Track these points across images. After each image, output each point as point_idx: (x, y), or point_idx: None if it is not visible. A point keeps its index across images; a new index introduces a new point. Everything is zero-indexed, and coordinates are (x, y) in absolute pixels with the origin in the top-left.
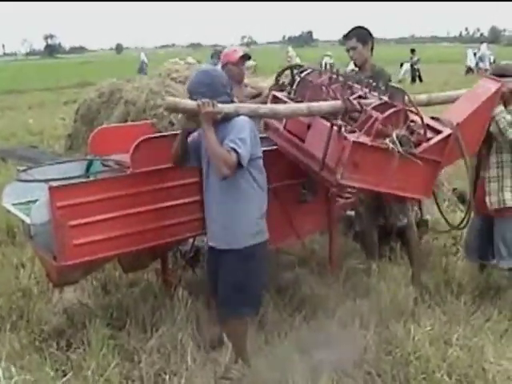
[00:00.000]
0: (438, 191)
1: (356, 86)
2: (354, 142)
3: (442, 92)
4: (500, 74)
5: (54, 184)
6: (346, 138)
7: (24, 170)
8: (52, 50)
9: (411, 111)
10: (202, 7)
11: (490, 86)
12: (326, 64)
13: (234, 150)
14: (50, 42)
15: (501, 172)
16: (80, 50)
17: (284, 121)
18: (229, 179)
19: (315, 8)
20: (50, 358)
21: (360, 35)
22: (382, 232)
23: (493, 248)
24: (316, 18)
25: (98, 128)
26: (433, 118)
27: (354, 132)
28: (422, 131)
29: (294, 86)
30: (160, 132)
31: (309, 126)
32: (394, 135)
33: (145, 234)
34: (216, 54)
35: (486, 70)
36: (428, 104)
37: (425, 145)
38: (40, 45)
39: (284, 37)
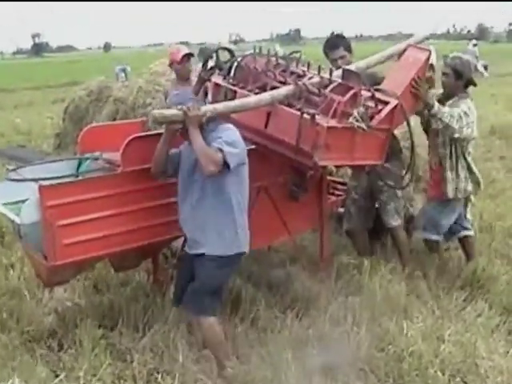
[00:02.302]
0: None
1: (295, 66)
2: (328, 127)
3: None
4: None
5: (44, 183)
6: (318, 125)
7: (13, 170)
8: (39, 49)
9: (364, 89)
10: (191, 6)
11: (420, 56)
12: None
13: (220, 150)
14: (37, 40)
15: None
16: (68, 48)
17: None
18: (215, 185)
19: (303, 6)
20: (41, 359)
21: (345, 44)
22: (373, 230)
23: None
24: (303, 16)
25: (87, 127)
26: (377, 89)
27: (315, 115)
28: (373, 105)
29: (232, 72)
30: (150, 130)
31: (268, 114)
32: (356, 114)
33: (135, 232)
34: (201, 52)
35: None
36: (368, 68)
37: (377, 117)
38: (27, 44)
39: (272, 35)
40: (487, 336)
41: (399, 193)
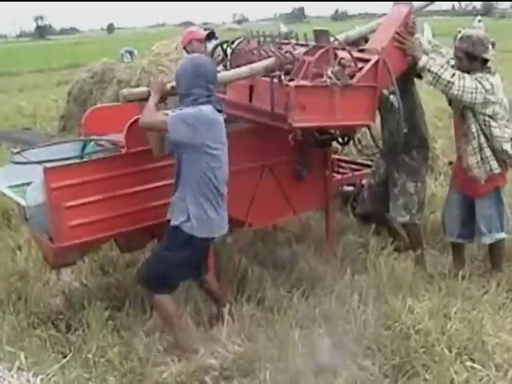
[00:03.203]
0: (434, 164)
1: (285, 42)
2: (295, 86)
3: None
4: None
5: (49, 165)
6: (287, 85)
7: (18, 152)
8: (42, 31)
9: (338, 49)
10: None
11: (402, 10)
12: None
13: (166, 115)
14: (40, 23)
15: (476, 143)
16: (71, 31)
17: (227, 90)
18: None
19: None
20: (49, 340)
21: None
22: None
23: (473, 226)
24: None
25: (91, 108)
26: (360, 50)
27: (292, 80)
28: (352, 64)
29: (229, 58)
30: None
31: (251, 88)
32: (329, 72)
33: (141, 213)
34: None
35: None
36: (347, 41)
37: (358, 74)
38: (30, 26)
39: (276, 14)
40: (494, 313)
41: (412, 189)
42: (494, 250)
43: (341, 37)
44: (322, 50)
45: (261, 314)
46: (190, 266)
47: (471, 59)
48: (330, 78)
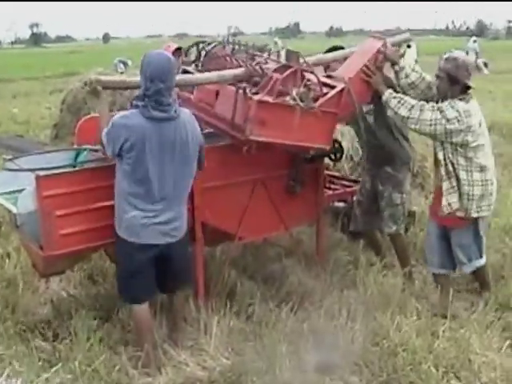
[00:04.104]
0: (424, 182)
1: (258, 54)
2: (258, 100)
3: None
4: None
5: (41, 173)
6: (251, 98)
7: (10, 159)
8: (38, 38)
9: (307, 71)
10: None
11: (374, 45)
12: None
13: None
14: (35, 30)
15: (444, 171)
16: (66, 39)
17: (195, 91)
18: None
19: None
20: (36, 349)
21: None
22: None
23: (452, 256)
24: (303, 9)
25: (84, 117)
26: (328, 76)
27: (258, 93)
28: (318, 88)
29: (201, 59)
30: None
31: (217, 93)
32: (294, 93)
33: None
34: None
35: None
36: (317, 64)
37: (322, 99)
38: (25, 33)
39: (271, 28)
40: (481, 332)
41: (398, 200)
42: (479, 275)
43: (314, 58)
44: (290, 70)
45: (249, 327)
46: (134, 274)
47: (453, 83)
48: (293, 98)
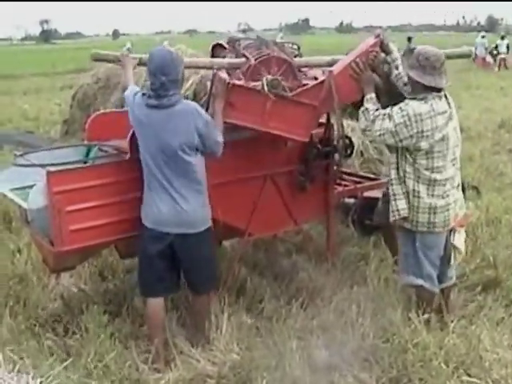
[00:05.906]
0: None
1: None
2: (227, 83)
3: None
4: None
5: (52, 169)
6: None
7: (21, 155)
8: (48, 35)
9: (283, 59)
10: None
11: (367, 41)
12: None
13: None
14: (45, 27)
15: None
16: (76, 35)
17: None
18: None
19: None
20: (47, 344)
21: None
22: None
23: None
24: (313, 4)
25: (94, 113)
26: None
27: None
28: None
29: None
30: None
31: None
32: (264, 79)
33: None
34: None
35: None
36: (306, 66)
37: (299, 89)
38: (35, 30)
39: (281, 24)
40: (492, 329)
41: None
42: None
43: (303, 60)
44: (266, 57)
45: (259, 323)
46: (151, 263)
47: (412, 82)
48: (262, 84)
